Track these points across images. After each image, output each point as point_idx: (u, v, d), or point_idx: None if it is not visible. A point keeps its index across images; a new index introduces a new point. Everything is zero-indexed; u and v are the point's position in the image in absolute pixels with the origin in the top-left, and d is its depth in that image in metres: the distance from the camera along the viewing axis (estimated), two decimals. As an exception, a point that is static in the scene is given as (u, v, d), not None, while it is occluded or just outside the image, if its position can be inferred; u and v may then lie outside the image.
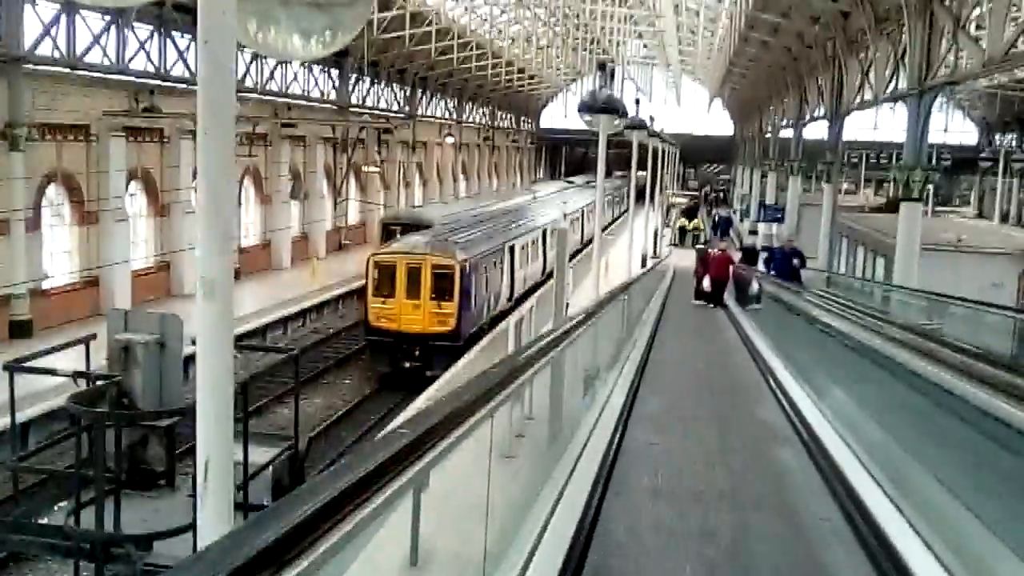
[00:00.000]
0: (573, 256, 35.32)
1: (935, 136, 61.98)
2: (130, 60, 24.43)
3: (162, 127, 25.66)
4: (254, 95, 31.05)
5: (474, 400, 3.63)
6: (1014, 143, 63.85)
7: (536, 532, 4.67)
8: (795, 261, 18.60)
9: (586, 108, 12.79)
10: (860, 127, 62.16)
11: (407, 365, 20.81)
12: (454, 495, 7.40)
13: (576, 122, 13.36)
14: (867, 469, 5.91)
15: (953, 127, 72.47)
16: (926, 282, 19.31)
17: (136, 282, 24.69)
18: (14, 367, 7.58)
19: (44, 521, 7.86)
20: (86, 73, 22.60)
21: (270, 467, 7.80)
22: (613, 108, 12.69)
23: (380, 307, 21.09)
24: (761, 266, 23.30)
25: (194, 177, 18.65)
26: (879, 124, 72.18)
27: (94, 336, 8.17)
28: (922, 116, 17.09)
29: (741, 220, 56.47)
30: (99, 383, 7.58)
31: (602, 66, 13.42)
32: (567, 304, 11.27)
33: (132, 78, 24.37)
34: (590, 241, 42.97)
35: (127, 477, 7.32)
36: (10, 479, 8.58)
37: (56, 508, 9.86)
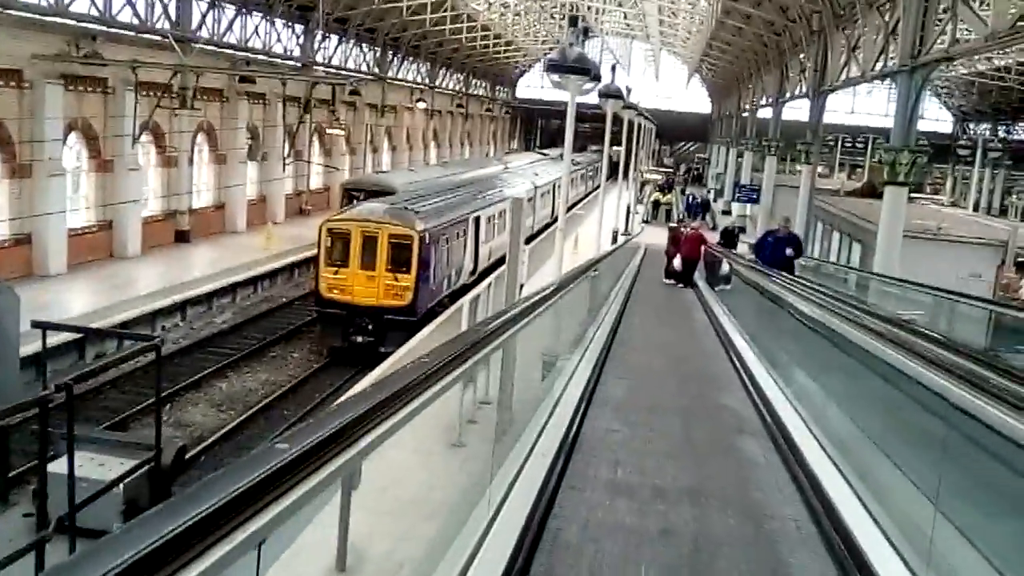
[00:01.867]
0: (542, 231, 34.16)
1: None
2: (71, 2, 22.64)
3: (106, 76, 23.96)
4: (209, 47, 29.28)
5: (411, 387, 3.09)
6: (988, 132, 63.45)
7: (480, 531, 4.24)
8: (788, 251, 15.55)
9: (554, 67, 11.53)
10: (836, 110, 61.29)
11: (359, 340, 19.53)
12: (390, 491, 6.43)
13: (553, 93, 12.14)
14: (835, 463, 5.60)
15: (927, 114, 71.84)
16: (904, 271, 18.56)
17: (73, 242, 23.16)
18: None
19: None
20: (17, 13, 20.77)
21: (120, 486, 6.25)
22: (584, 69, 11.43)
23: (332, 277, 19.74)
24: (743, 249, 22.24)
25: (141, 131, 17.00)
26: (856, 108, 71.80)
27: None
28: (913, 94, 16.02)
29: (715, 200, 55.58)
30: None
31: (574, 21, 12.09)
32: (521, 286, 10.09)
33: (72, 21, 22.59)
34: (560, 215, 41.96)
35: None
36: None
37: None
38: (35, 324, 6.34)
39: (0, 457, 6.28)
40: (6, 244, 21.27)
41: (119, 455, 6.51)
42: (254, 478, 1.83)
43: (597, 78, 12.41)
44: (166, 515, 1.57)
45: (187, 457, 13.84)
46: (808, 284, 9.99)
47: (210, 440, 14.78)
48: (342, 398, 14.25)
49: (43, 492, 5.14)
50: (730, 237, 24.48)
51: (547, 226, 35.43)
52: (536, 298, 6.79)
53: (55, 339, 17.26)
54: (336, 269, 19.69)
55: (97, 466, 6.07)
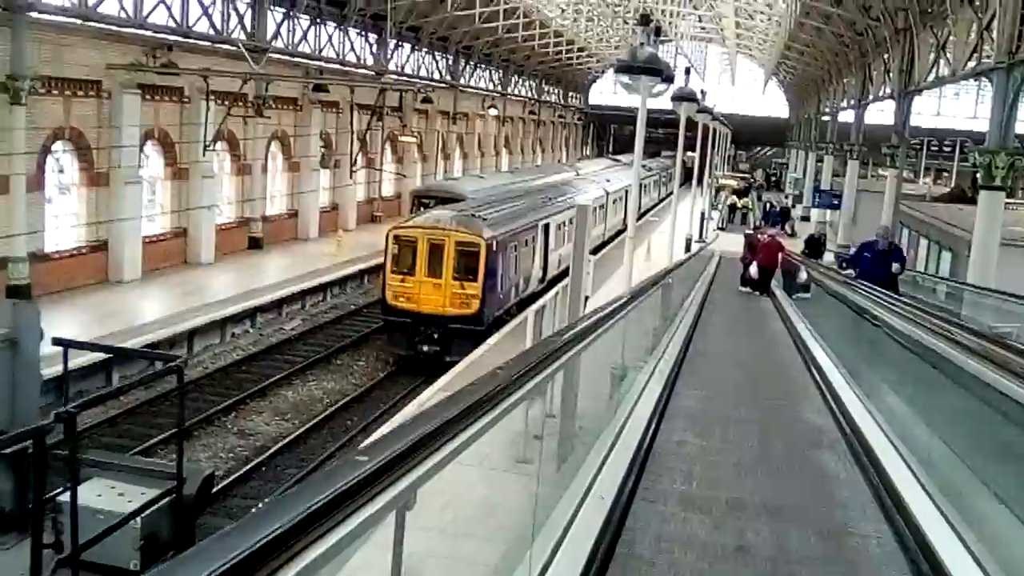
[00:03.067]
0: (615, 237, 33.58)
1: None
2: (148, 14, 23.01)
3: (182, 86, 24.31)
4: (283, 56, 29.56)
5: (470, 409, 2.91)
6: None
7: (551, 545, 4.08)
8: (895, 266, 12.86)
9: (624, 68, 11.04)
10: (921, 113, 58.82)
11: (425, 349, 19.27)
12: (449, 512, 6.15)
13: (626, 99, 11.67)
14: (922, 484, 5.26)
15: (1019, 114, 68.30)
16: (1001, 281, 17.50)
17: (149, 249, 23.50)
18: None
19: None
20: (97, 25, 21.16)
21: (138, 519, 5.65)
22: (655, 69, 10.91)
23: (399, 285, 19.54)
24: (828, 259, 21.10)
25: (215, 140, 17.07)
26: (941, 111, 68.99)
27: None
28: (1011, 93, 14.99)
29: (793, 206, 54.09)
30: None
31: (646, 19, 11.57)
32: (586, 299, 9.61)
33: (148, 32, 22.96)
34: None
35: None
36: None
37: None
38: (56, 341, 6.01)
39: (18, 486, 5.91)
40: (83, 251, 21.66)
41: (143, 484, 5.94)
42: (330, 492, 1.82)
43: (669, 80, 11.87)
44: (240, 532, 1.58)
45: (249, 468, 13.80)
46: (917, 306, 9.23)
47: (272, 449, 14.64)
48: (403, 410, 13.97)
49: (37, 529, 4.78)
50: (816, 246, 23.17)
51: (619, 232, 34.83)
52: (603, 313, 6.45)
53: (125, 345, 17.47)
54: (403, 277, 19.49)
55: (116, 496, 5.63)
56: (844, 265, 13.38)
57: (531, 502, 4.77)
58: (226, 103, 25.32)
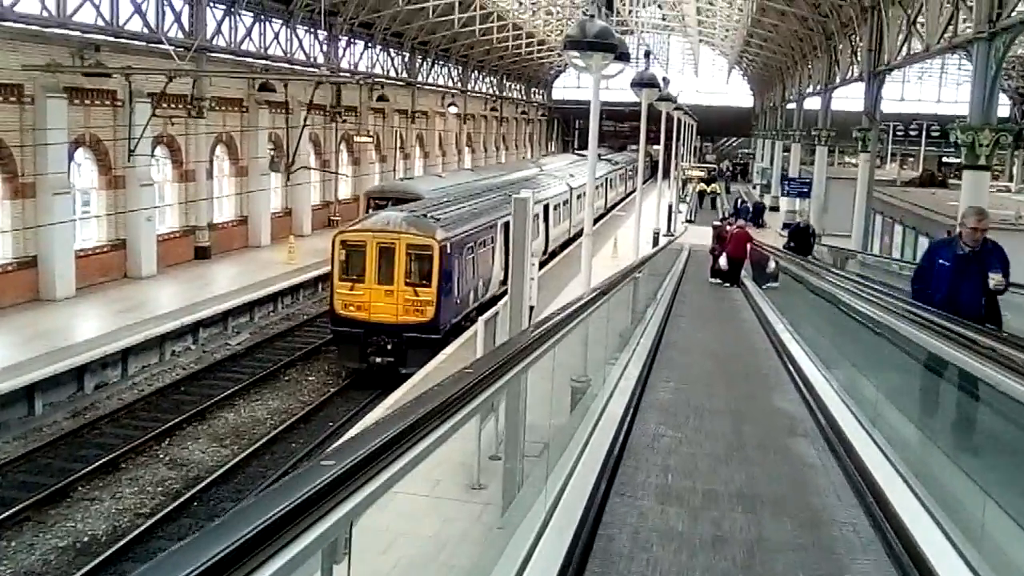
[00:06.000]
0: (578, 236, 32.44)
1: (957, 108, 58.17)
2: (74, 13, 21.52)
3: (114, 89, 22.79)
4: (224, 55, 28.11)
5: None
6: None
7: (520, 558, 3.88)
8: (993, 278, 7.08)
9: (573, 44, 9.86)
10: (885, 99, 58.37)
11: (378, 360, 17.98)
12: (394, 549, 6.13)
13: (590, 92, 10.56)
14: (896, 468, 5.21)
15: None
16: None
17: (84, 263, 22.02)
18: None
19: None
20: (15, 25, 19.65)
21: None
22: (608, 44, 9.74)
23: (348, 293, 18.23)
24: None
25: (154, 146, 15.80)
26: (905, 96, 68.65)
27: None
28: (993, 65, 13.97)
29: (761, 195, 53.45)
30: None
31: (594, -10, 10.43)
32: (530, 309, 8.43)
33: (75, 32, 21.46)
34: (600, 216, 40.25)
35: None
36: None
37: None
38: None
39: None
40: (10, 268, 20.13)
41: None
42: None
43: (624, 57, 10.72)
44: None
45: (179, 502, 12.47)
46: (886, 292, 8.33)
47: (206, 481, 13.31)
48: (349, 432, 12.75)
49: None
50: (803, 238, 19.28)
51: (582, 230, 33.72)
52: (566, 314, 5.73)
53: (50, 369, 16.06)
54: (352, 284, 18.18)
55: None
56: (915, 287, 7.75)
57: (492, 528, 4.82)
58: (163, 105, 23.82)
